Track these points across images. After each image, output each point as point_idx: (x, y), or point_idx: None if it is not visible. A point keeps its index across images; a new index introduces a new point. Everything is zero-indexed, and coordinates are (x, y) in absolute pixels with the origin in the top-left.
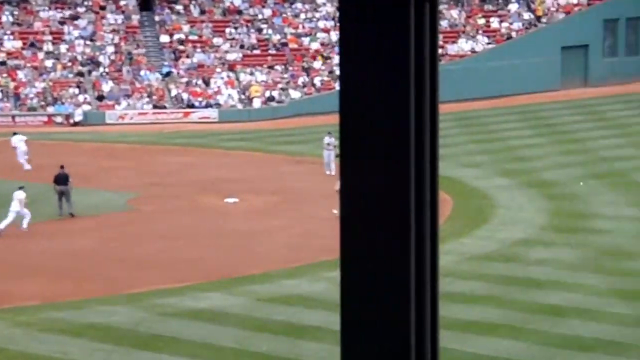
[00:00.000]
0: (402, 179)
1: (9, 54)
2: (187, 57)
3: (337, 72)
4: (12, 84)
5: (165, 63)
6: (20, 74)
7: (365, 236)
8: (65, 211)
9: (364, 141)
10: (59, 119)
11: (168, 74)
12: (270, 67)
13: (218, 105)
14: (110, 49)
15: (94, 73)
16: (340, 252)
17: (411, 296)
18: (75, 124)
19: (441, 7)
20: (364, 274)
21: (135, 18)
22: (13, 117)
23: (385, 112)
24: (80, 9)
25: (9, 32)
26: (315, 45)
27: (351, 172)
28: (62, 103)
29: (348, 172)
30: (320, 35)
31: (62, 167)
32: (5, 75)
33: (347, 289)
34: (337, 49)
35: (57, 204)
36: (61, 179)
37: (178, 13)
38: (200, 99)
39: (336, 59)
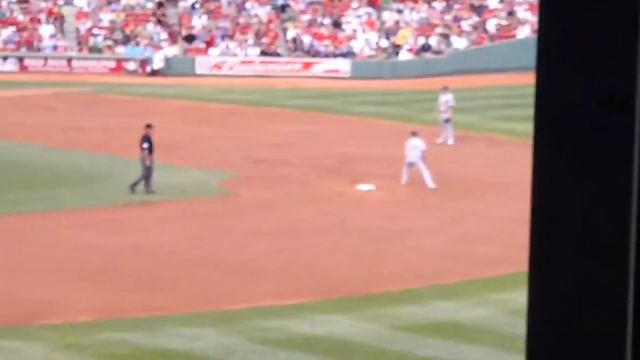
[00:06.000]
0: (619, 182)
1: None
2: None
3: (520, 16)
4: (71, 14)
5: None
6: (81, 1)
7: (567, 250)
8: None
9: (567, 133)
10: (131, 66)
11: (284, 7)
12: (427, 3)
13: (351, 54)
14: None
15: (181, 3)
16: (529, 269)
17: (627, 335)
18: (154, 73)
19: None
20: (564, 304)
21: None
22: (69, 60)
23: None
24: None
25: None
26: None
27: (548, 169)
28: (137, 44)
29: (544, 169)
30: None
31: (148, 125)
32: (62, 1)
33: (536, 322)
34: None
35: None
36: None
37: None
38: (327, 44)
39: None
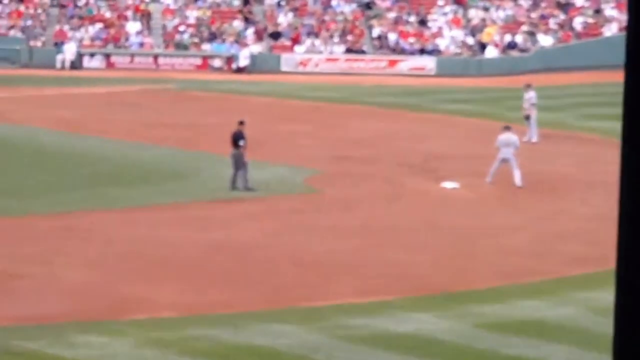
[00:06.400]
0: None
1: None
2: None
3: (607, 13)
4: (158, 11)
5: None
6: None
7: None
8: (238, 185)
9: None
10: (217, 63)
11: (369, 5)
12: (514, 1)
13: (437, 52)
14: None
15: (267, 1)
16: (616, 268)
17: None
18: (239, 70)
19: None
20: None
21: None
22: (155, 57)
23: None
24: None
25: None
26: None
27: (637, 167)
28: (223, 41)
29: (633, 168)
30: None
31: (241, 122)
32: None
33: (623, 321)
34: None
35: (232, 175)
36: (237, 140)
37: None
38: (412, 41)
39: None
